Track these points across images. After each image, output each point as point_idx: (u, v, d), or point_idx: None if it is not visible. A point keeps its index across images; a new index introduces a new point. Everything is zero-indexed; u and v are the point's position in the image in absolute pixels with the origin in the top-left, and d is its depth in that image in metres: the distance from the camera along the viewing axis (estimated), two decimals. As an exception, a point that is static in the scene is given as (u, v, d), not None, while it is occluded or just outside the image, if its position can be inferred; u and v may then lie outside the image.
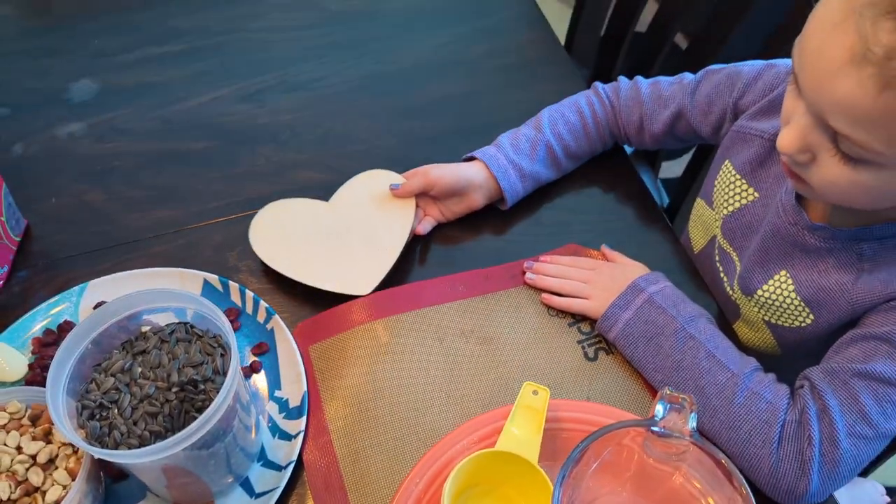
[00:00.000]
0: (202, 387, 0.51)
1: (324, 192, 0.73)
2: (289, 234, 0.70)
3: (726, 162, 0.68)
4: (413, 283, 0.69)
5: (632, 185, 0.77)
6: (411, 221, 0.71)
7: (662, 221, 0.75)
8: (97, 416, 0.51)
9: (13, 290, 0.69)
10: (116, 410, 0.50)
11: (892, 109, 0.44)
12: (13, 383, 0.61)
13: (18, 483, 0.52)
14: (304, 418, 0.60)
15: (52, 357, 0.61)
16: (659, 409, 0.49)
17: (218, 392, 0.50)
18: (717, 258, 0.71)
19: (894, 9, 0.43)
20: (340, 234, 0.70)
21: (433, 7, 0.95)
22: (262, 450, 0.59)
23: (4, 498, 0.51)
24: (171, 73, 0.87)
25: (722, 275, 0.70)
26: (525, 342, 0.66)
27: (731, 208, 0.67)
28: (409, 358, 0.65)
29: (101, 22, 0.93)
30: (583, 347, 0.65)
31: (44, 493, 0.52)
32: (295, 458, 0.58)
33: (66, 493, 0.51)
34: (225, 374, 0.52)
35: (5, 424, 0.54)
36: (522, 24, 0.94)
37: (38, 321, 0.66)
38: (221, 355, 0.52)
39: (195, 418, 0.50)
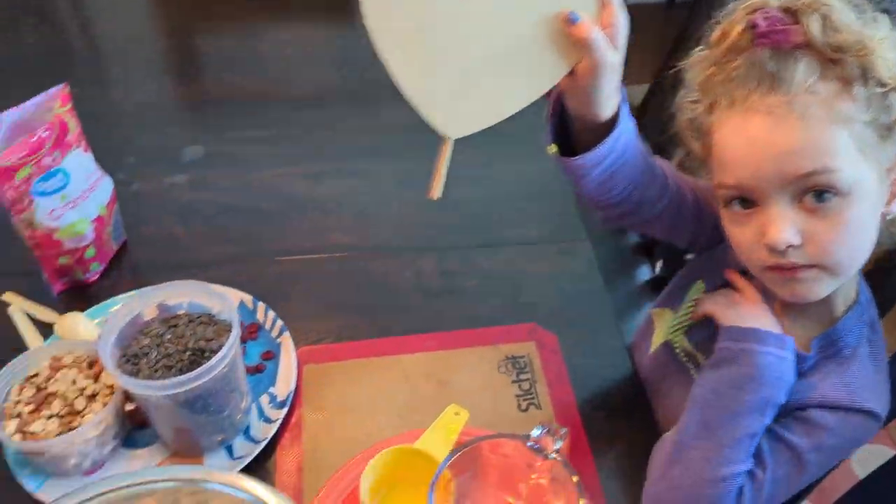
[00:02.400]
0: (208, 354, 0.69)
1: (347, 248, 0.94)
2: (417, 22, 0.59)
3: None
4: (394, 336, 0.86)
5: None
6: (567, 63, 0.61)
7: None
8: (131, 363, 0.70)
9: (103, 284, 0.92)
10: (145, 361, 0.69)
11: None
12: (84, 345, 0.82)
13: (66, 405, 0.71)
14: (286, 409, 0.77)
15: (116, 334, 0.82)
16: (536, 430, 0.63)
17: (217, 360, 0.69)
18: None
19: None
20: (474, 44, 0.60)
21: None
22: (248, 427, 0.76)
23: (56, 413, 0.70)
24: (260, 150, 1.12)
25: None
26: (474, 388, 0.81)
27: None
28: (377, 388, 0.81)
29: (222, 107, 1.20)
30: (518, 399, 0.79)
31: (82, 416, 0.71)
32: (270, 436, 0.75)
33: (95, 417, 0.70)
34: (227, 350, 0.70)
35: (70, 363, 0.74)
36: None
37: (115, 306, 0.87)
38: (228, 338, 0.71)
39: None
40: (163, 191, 1.05)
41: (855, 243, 0.62)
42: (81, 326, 0.84)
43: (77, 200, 0.84)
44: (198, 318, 0.73)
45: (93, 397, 0.72)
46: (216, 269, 0.94)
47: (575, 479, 0.61)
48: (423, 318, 0.89)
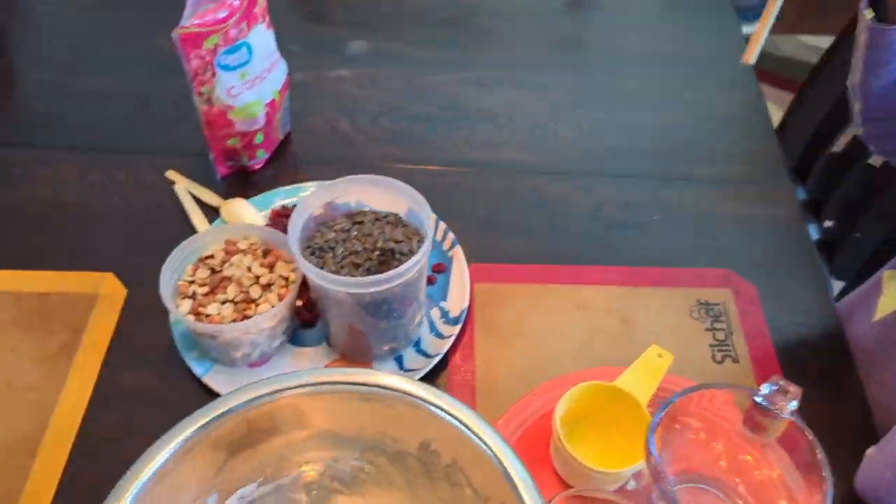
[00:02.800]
0: (398, 257, 0.64)
1: (520, 166, 0.87)
2: None
3: None
4: (569, 265, 0.79)
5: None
6: None
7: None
8: (316, 255, 0.65)
9: (266, 174, 0.87)
10: (331, 255, 0.64)
11: None
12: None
13: (241, 292, 0.67)
14: (459, 326, 0.71)
15: (284, 225, 0.77)
16: (765, 386, 0.55)
17: (409, 263, 0.63)
18: None
19: None
20: None
21: (663, 53, 1.05)
22: (419, 340, 0.71)
23: (230, 298, 0.67)
24: (428, 52, 1.04)
25: None
26: (662, 330, 0.73)
27: None
28: (554, 317, 0.74)
29: (386, 3, 1.13)
30: (713, 350, 0.72)
31: (257, 304, 0.67)
32: (443, 352, 0.70)
33: (272, 308, 0.66)
34: (415, 253, 0.64)
35: (245, 249, 0.70)
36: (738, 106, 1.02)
37: (278, 198, 0.83)
38: (418, 242, 0.65)
39: (386, 278, 0.63)
40: (327, 84, 0.99)
41: None
42: (246, 213, 0.80)
43: (255, 80, 0.79)
44: (384, 217, 0.68)
45: (267, 287, 0.68)
46: (382, 171, 0.88)
47: (810, 437, 0.53)
48: (602, 250, 0.81)
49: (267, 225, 0.79)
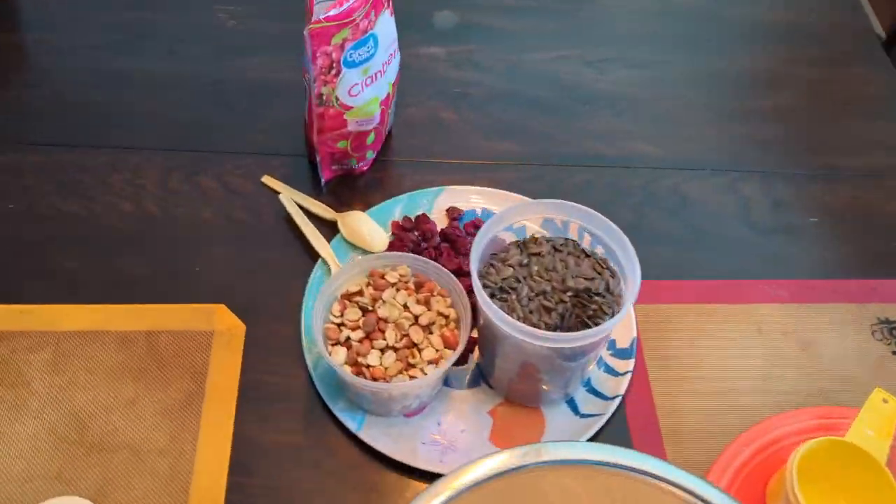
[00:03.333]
0: (595, 298, 0.55)
1: (656, 164, 0.79)
2: None
3: None
4: (734, 280, 0.71)
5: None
6: None
7: None
8: (497, 297, 0.56)
9: (374, 176, 0.77)
10: (515, 297, 0.56)
11: None
12: (379, 253, 0.68)
13: (402, 335, 0.58)
14: (633, 360, 0.64)
15: (410, 240, 0.68)
16: None
17: (610, 308, 0.55)
18: None
19: None
20: None
21: (777, 23, 0.96)
22: (589, 379, 0.63)
23: (391, 343, 0.58)
24: (523, 24, 0.93)
25: None
26: (844, 355, 0.67)
27: None
28: (729, 342, 0.67)
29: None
30: (906, 378, 0.66)
31: (420, 350, 0.58)
32: (622, 392, 0.62)
33: (441, 358, 0.57)
34: (614, 294, 0.56)
35: (395, 283, 0.61)
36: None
37: (397, 207, 0.73)
38: (611, 276, 0.57)
39: (584, 324, 0.55)
40: (420, 64, 0.88)
41: None
42: (366, 228, 0.70)
43: (376, 75, 0.68)
44: (562, 246, 0.59)
45: (427, 328, 0.59)
46: (498, 169, 0.79)
47: None
48: (757, 260, 0.74)
49: (392, 243, 0.70)
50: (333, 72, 0.64)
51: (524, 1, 0.96)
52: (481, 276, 0.57)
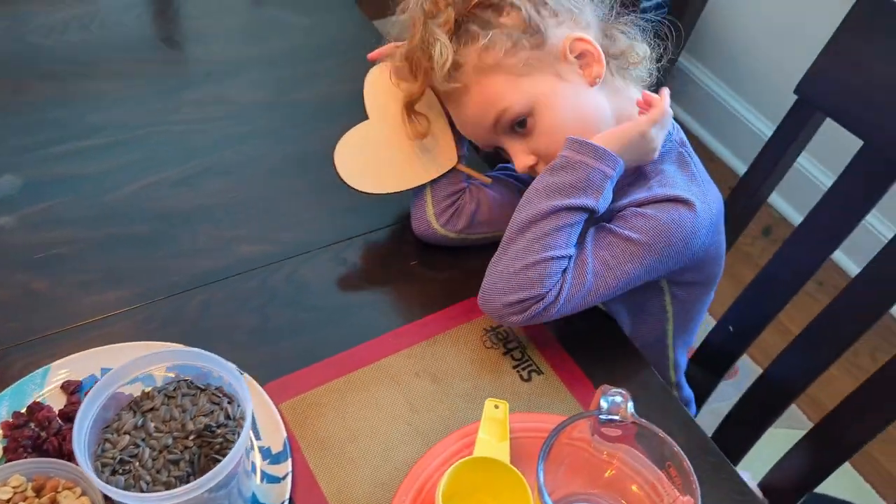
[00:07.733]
0: (217, 431, 0.57)
1: (267, 262, 0.82)
2: (367, 157, 0.81)
3: None
4: (361, 344, 0.78)
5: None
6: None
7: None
8: (119, 471, 0.55)
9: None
10: (138, 463, 0.55)
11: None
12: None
13: (37, 550, 0.55)
14: (290, 461, 0.67)
15: (27, 436, 0.64)
16: (602, 403, 0.61)
17: (234, 434, 0.57)
18: None
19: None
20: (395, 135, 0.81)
21: (340, 98, 1.06)
22: (252, 495, 0.65)
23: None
24: (99, 164, 0.92)
25: None
26: (468, 373, 0.76)
27: None
28: (373, 403, 0.73)
29: (14, 120, 0.96)
30: (517, 371, 0.77)
31: (63, 555, 0.55)
32: (287, 497, 0.64)
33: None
34: (234, 419, 0.58)
35: (10, 498, 0.57)
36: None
37: (2, 406, 0.68)
38: (228, 402, 0.59)
39: (215, 460, 0.56)
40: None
41: (576, 128, 0.73)
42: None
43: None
44: (174, 390, 0.59)
45: (64, 528, 0.56)
46: (113, 321, 0.77)
47: (661, 433, 0.60)
48: (380, 316, 0.81)
49: (6, 447, 0.64)
50: None
51: (91, 141, 0.94)
52: (98, 458, 0.55)
